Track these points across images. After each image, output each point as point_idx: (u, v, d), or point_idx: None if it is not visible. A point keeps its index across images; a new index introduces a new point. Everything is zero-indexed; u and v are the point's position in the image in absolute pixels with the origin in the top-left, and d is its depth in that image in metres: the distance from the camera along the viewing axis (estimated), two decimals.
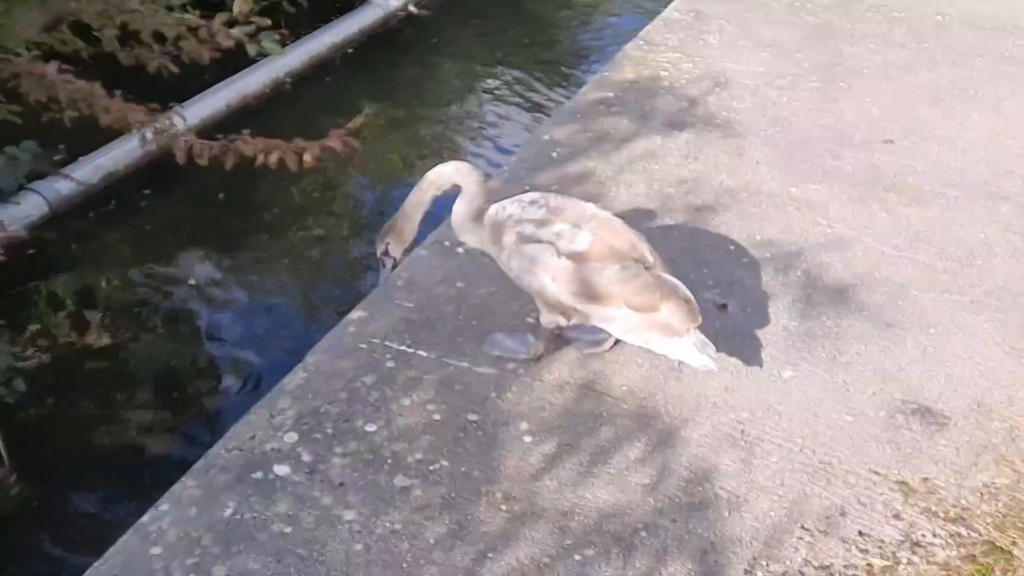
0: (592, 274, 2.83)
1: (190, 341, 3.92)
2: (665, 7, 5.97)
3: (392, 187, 4.98)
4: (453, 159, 3.08)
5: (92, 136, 4.54)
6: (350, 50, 6.21)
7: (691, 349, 2.89)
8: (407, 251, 3.16)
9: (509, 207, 2.95)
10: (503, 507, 2.66)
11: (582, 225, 2.87)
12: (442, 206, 3.12)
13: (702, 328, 2.91)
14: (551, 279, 2.86)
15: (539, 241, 2.86)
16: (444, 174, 2.99)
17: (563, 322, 3.04)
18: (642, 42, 5.40)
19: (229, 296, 4.18)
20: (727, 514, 2.69)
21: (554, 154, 4.29)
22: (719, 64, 5.19)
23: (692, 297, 2.94)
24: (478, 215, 2.99)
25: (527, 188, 3.99)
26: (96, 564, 2.40)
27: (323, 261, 4.43)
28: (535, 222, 2.88)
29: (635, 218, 3.87)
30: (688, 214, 3.93)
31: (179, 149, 3.91)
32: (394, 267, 3.09)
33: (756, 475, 2.82)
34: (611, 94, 4.82)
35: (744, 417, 3.01)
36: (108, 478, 3.29)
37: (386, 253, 3.02)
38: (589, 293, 2.85)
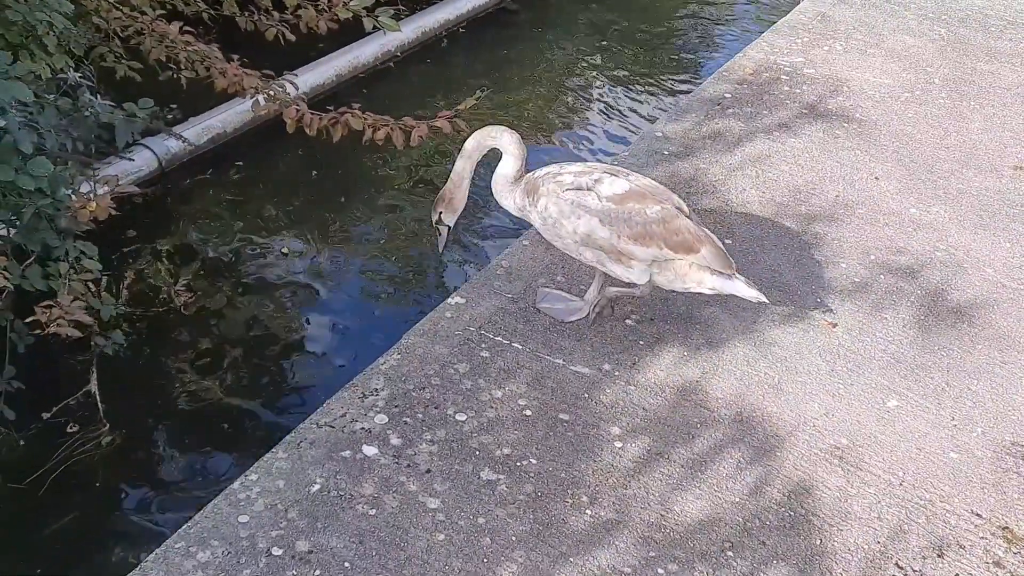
0: (633, 214, 2.94)
1: (284, 311, 3.95)
2: (791, 9, 5.79)
3: (480, 169, 4.93)
4: (506, 130, 3.13)
5: (204, 97, 4.62)
6: (461, 28, 6.19)
7: (742, 286, 3.01)
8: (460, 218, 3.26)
9: (546, 168, 3.09)
10: (588, 511, 2.61)
11: (618, 175, 3.03)
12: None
13: None
14: (599, 222, 2.95)
15: (580, 188, 2.98)
16: (482, 139, 3.11)
17: (643, 268, 3.04)
18: (764, 43, 5.25)
19: (324, 269, 4.19)
20: (819, 542, 2.60)
21: (665, 151, 4.20)
22: (843, 72, 5.01)
23: (722, 246, 3.05)
24: (518, 177, 3.10)
25: None
26: (186, 525, 2.43)
27: (420, 241, 4.42)
28: (573, 174, 3.03)
29: (744, 223, 3.77)
30: (800, 224, 3.81)
31: (289, 117, 3.95)
32: (449, 233, 3.20)
33: (852, 504, 2.71)
34: (728, 94, 4.70)
35: (843, 443, 2.90)
36: (196, 438, 3.33)
37: (440, 222, 3.16)
38: (631, 233, 2.95)
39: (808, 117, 4.57)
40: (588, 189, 2.98)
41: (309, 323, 3.87)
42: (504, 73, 5.80)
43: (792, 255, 3.64)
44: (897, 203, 3.99)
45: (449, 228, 3.18)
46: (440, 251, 3.31)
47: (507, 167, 3.09)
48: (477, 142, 3.11)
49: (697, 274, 3.02)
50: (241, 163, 4.76)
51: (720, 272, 3.00)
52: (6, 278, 3.02)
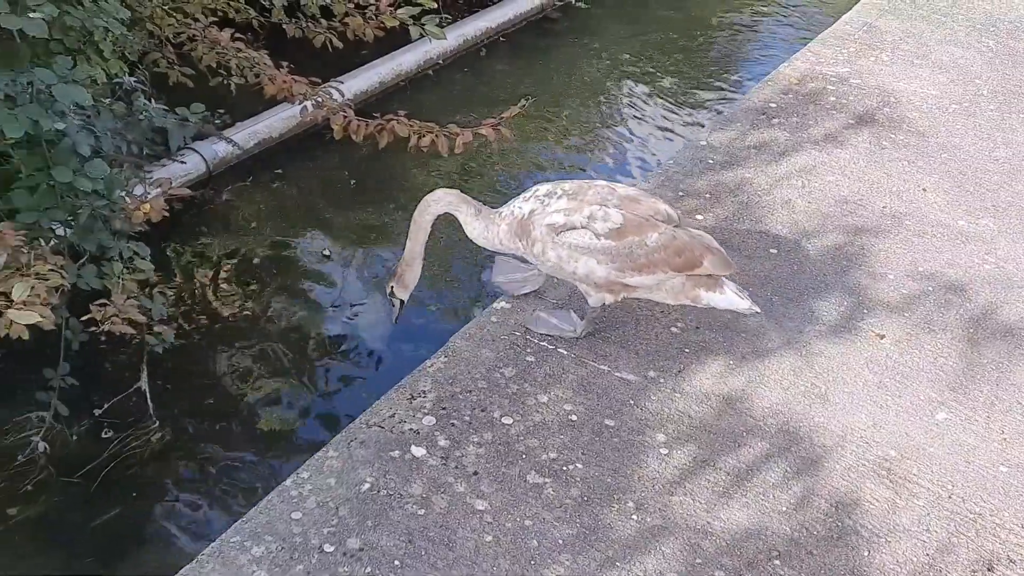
0: (634, 247, 2.93)
1: (328, 312, 4.00)
2: (837, 19, 5.77)
3: (530, 177, 4.96)
4: (442, 188, 3.15)
5: (251, 103, 4.69)
6: (502, 38, 6.23)
7: (734, 297, 3.05)
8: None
9: (526, 205, 3.03)
10: (634, 516, 2.62)
11: (608, 204, 2.96)
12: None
13: None
14: (596, 262, 2.95)
15: (574, 228, 2.94)
16: (427, 212, 3.09)
17: (609, 299, 3.09)
18: (810, 53, 5.24)
19: (366, 272, 4.24)
20: (866, 553, 2.59)
21: (710, 160, 4.20)
22: (890, 82, 4.99)
23: (719, 246, 3.07)
24: (487, 215, 3.08)
25: (681, 193, 3.94)
26: (241, 520, 2.47)
27: (462, 246, 4.45)
28: (562, 212, 2.96)
29: (790, 233, 3.77)
30: (846, 236, 3.79)
31: (336, 124, 4.00)
32: (401, 308, 3.22)
33: (900, 516, 2.70)
34: (773, 104, 4.69)
35: (891, 455, 2.88)
36: (244, 436, 3.37)
37: (392, 295, 3.18)
38: (635, 265, 2.95)
39: (855, 128, 4.55)
40: (583, 227, 2.94)
41: (354, 325, 3.91)
42: (544, 82, 5.83)
43: (838, 266, 3.63)
44: (945, 215, 3.97)
45: (402, 302, 3.20)
46: (394, 321, 3.33)
47: (469, 224, 3.10)
48: (422, 215, 3.09)
49: (692, 291, 3.04)
50: (285, 168, 4.82)
51: (717, 283, 3.03)
52: (63, 277, 3.09)
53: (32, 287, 2.88)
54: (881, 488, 2.77)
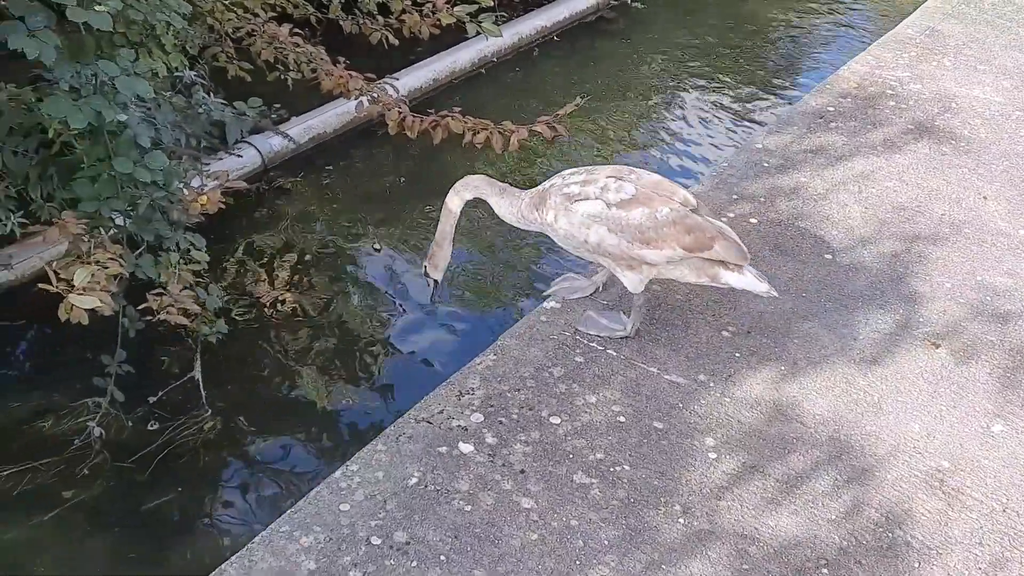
0: (644, 220, 2.94)
1: (377, 307, 4.02)
2: (898, 23, 5.68)
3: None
4: (471, 174, 3.23)
5: (306, 98, 4.75)
6: (556, 37, 6.22)
7: (752, 279, 3.03)
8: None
9: (548, 181, 3.12)
10: (681, 520, 2.61)
11: (623, 178, 3.01)
12: None
13: None
14: (607, 230, 2.96)
15: (587, 198, 2.97)
16: (456, 196, 3.16)
17: (641, 278, 3.09)
18: (870, 56, 5.16)
19: (417, 268, 4.25)
20: (917, 565, 2.54)
21: (765, 163, 4.16)
22: (952, 88, 4.90)
23: (736, 238, 3.04)
24: (511, 200, 3.13)
25: (735, 196, 3.90)
26: (291, 511, 2.50)
27: (513, 244, 4.46)
28: (579, 183, 3.03)
29: (845, 239, 3.72)
30: (903, 243, 3.73)
31: (392, 119, 4.03)
32: (436, 288, 3.34)
33: (952, 529, 2.65)
34: (831, 108, 4.63)
35: (945, 466, 2.83)
36: (293, 427, 3.40)
37: (427, 274, 3.30)
38: (644, 238, 2.95)
39: (914, 133, 4.47)
40: (596, 198, 2.98)
41: (403, 320, 3.93)
42: (597, 82, 5.81)
43: (894, 273, 3.57)
44: (1006, 224, 3.89)
45: (436, 281, 3.31)
46: (431, 300, 3.44)
47: (496, 205, 3.17)
48: (453, 201, 3.17)
49: (712, 269, 3.03)
50: (338, 163, 4.87)
51: (736, 265, 3.02)
52: (121, 266, 3.15)
53: (92, 274, 2.95)
54: (933, 500, 2.73)
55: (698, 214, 3.00)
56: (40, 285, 2.91)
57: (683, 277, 3.10)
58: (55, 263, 3.02)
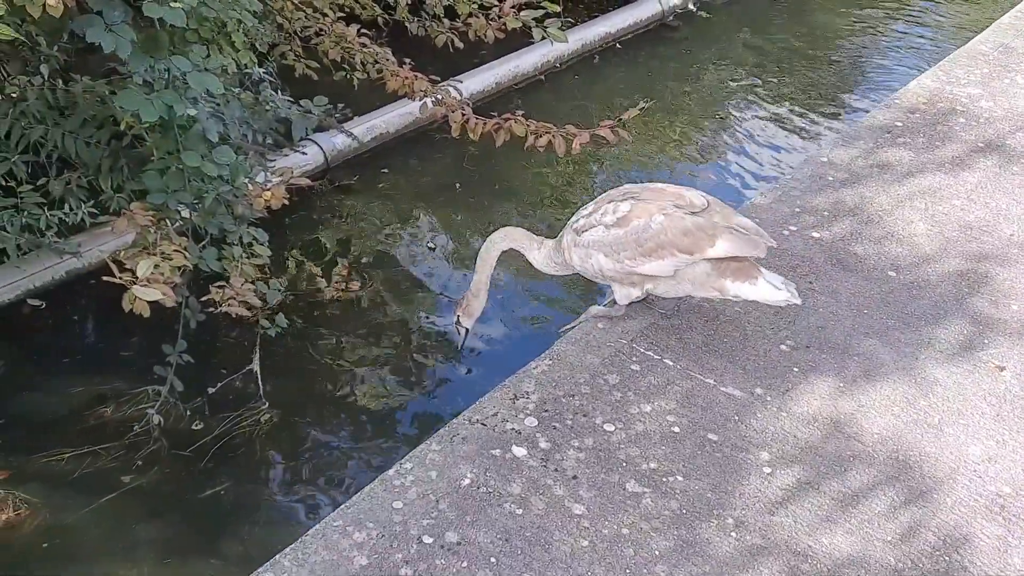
0: (640, 232, 2.95)
1: (433, 307, 4.05)
2: (970, 39, 5.57)
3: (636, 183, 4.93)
4: (503, 227, 3.31)
5: (369, 99, 4.80)
6: (619, 44, 6.21)
7: (767, 288, 2.97)
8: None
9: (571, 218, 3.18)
10: (734, 534, 2.58)
11: (627, 198, 3.03)
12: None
13: None
14: (604, 255, 3.00)
15: (592, 227, 3.03)
16: (493, 248, 3.23)
17: (634, 293, 3.13)
18: (940, 72, 5.06)
19: (472, 269, 4.27)
20: None
21: (830, 177, 4.10)
22: None
23: (753, 225, 2.99)
24: (542, 249, 3.21)
25: (798, 209, 3.86)
26: (344, 506, 2.53)
27: None
28: (586, 214, 3.08)
29: (909, 256, 3.65)
30: (969, 262, 3.66)
31: (455, 121, 4.05)
32: (467, 335, 3.40)
33: (1012, 557, 2.59)
34: (899, 123, 4.56)
35: (1006, 492, 2.77)
36: (349, 423, 3.44)
37: (459, 323, 3.36)
38: (643, 250, 2.95)
39: (984, 151, 4.38)
40: (596, 225, 3.02)
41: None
42: (659, 90, 5.78)
43: (959, 293, 3.50)
44: None
45: (467, 330, 3.38)
46: (460, 348, 3.54)
47: (531, 256, 3.24)
48: (490, 252, 3.23)
49: (718, 281, 2.99)
50: (398, 163, 4.91)
51: (747, 273, 2.97)
52: (186, 258, 3.20)
53: (156, 265, 3.00)
54: (993, 525, 2.67)
55: (703, 214, 2.95)
56: (105, 277, 2.97)
57: (690, 292, 3.08)
58: (122, 253, 3.09)
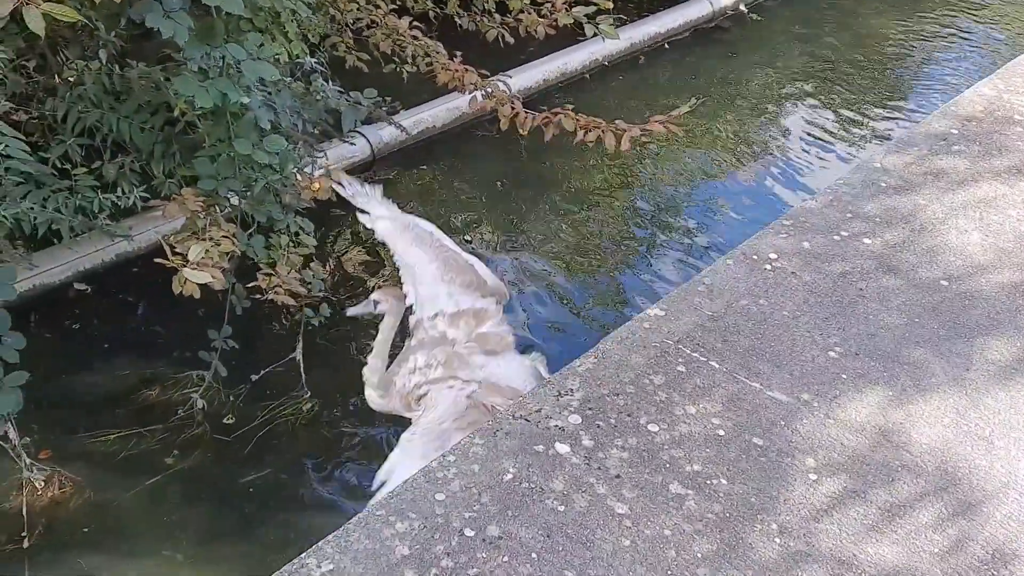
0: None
1: None
2: None
3: (683, 185, 4.89)
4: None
5: (416, 92, 4.82)
6: (667, 44, 6.17)
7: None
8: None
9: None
10: (777, 539, 2.55)
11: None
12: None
13: None
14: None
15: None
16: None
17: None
18: (999, 81, 4.97)
19: (517, 268, 4.26)
20: None
21: (883, 183, 4.04)
22: None
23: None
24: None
25: (849, 215, 3.81)
26: (387, 495, 2.53)
27: (614, 250, 4.44)
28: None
29: (963, 265, 3.59)
30: None
31: (504, 115, 4.04)
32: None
33: None
34: (955, 131, 4.48)
35: None
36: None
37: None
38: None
39: None
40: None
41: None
42: (706, 91, 5.74)
43: (1013, 304, 3.43)
44: None
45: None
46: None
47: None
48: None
49: None
50: (443, 158, 4.93)
51: None
52: (234, 244, 3.23)
53: (207, 250, 3.03)
54: None
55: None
56: (156, 259, 3.00)
57: None
58: (172, 237, 3.12)
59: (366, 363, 3.33)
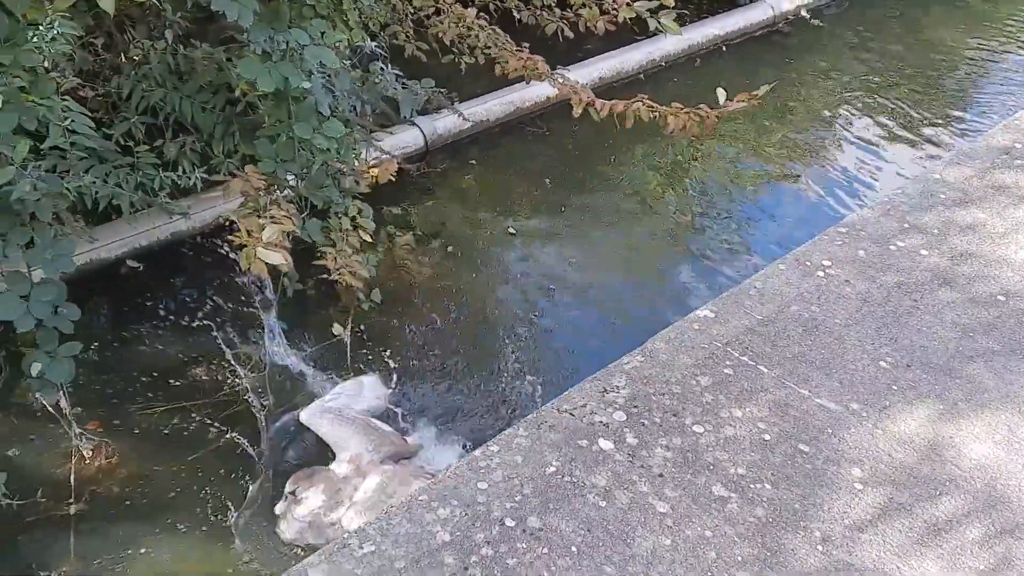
0: None
1: (523, 296, 4.03)
2: None
3: (735, 189, 4.84)
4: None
5: (471, 84, 4.83)
6: (725, 47, 6.12)
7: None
8: None
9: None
10: (820, 547, 2.52)
11: None
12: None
13: None
14: None
15: None
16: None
17: None
18: None
19: (565, 263, 4.25)
20: None
21: (942, 195, 3.98)
22: None
23: None
24: None
25: (906, 226, 3.76)
26: (430, 482, 2.54)
27: (664, 251, 4.41)
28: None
29: (1021, 283, 3.52)
30: None
31: (577, 103, 4.00)
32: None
33: None
34: (1018, 144, 4.39)
35: None
36: (434, 401, 3.45)
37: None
38: None
39: None
40: None
41: (547, 312, 3.94)
42: (762, 96, 5.67)
43: None
44: None
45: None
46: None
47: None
48: None
49: None
50: (497, 150, 4.93)
51: None
52: (293, 224, 3.26)
53: (280, 232, 3.07)
54: None
55: None
56: (229, 236, 3.04)
57: None
58: (234, 214, 3.16)
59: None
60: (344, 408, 3.24)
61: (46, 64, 2.84)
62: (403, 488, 2.81)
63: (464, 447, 3.22)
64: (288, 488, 2.90)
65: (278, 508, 2.90)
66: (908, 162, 5.09)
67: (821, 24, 6.41)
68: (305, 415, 3.22)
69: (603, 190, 4.73)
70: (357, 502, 2.85)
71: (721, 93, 3.60)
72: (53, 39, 2.71)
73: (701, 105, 3.68)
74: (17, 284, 2.88)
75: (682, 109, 3.71)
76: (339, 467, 2.97)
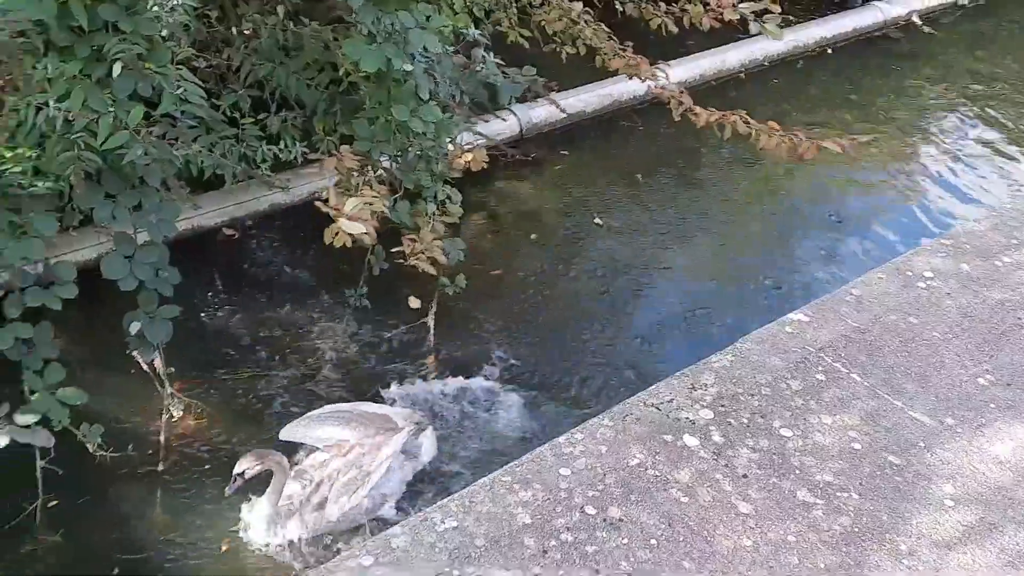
0: None
1: (610, 289, 4.00)
2: None
3: (833, 196, 4.73)
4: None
5: (569, 75, 4.81)
6: (831, 50, 5.99)
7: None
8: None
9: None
10: (905, 561, 2.45)
11: None
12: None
13: None
14: None
15: None
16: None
17: None
18: None
19: (655, 260, 4.22)
20: None
21: None
22: None
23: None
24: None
25: (1014, 241, 3.63)
26: (514, 463, 2.55)
27: (756, 251, 4.34)
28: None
29: None
30: None
31: (676, 107, 3.97)
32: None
33: None
34: None
35: None
36: (516, 388, 3.43)
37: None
38: None
39: None
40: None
41: (632, 305, 3.92)
42: (866, 102, 5.55)
43: None
44: None
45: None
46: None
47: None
48: None
49: None
50: (590, 142, 4.91)
51: None
52: (384, 205, 3.30)
53: (364, 204, 3.11)
54: None
55: None
56: (317, 202, 3.09)
57: None
58: (326, 192, 3.21)
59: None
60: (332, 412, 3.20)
61: (163, 33, 2.91)
62: (370, 458, 2.92)
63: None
64: (236, 470, 2.77)
65: (228, 491, 2.79)
66: (1015, 177, 4.91)
67: (933, 32, 6.23)
68: (284, 432, 3.11)
69: (694, 189, 4.68)
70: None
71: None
72: (172, 8, 2.78)
73: (796, 129, 3.61)
74: (123, 245, 2.98)
75: (778, 130, 3.65)
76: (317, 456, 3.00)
